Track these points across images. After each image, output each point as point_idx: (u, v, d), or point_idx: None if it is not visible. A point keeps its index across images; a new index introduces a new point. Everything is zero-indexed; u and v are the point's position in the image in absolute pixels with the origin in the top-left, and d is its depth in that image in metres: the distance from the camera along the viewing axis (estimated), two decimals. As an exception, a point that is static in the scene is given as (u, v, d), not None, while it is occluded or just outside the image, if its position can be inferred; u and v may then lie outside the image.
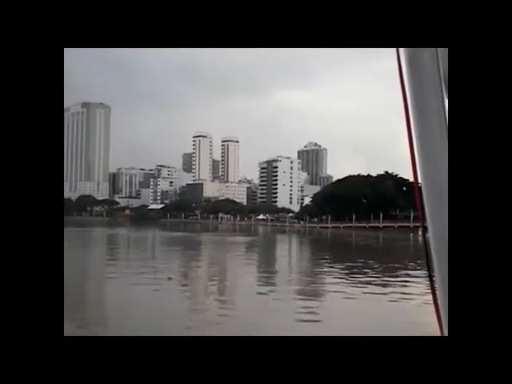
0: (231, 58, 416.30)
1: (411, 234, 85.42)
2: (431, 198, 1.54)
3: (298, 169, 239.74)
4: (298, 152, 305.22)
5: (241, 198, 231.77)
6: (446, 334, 1.54)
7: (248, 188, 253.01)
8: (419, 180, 1.55)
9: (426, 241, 1.59)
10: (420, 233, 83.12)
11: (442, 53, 1.55)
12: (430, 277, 1.60)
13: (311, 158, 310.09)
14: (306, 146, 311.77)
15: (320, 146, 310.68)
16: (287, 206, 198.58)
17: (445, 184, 1.51)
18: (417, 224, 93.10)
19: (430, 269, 1.59)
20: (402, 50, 1.58)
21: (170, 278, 25.65)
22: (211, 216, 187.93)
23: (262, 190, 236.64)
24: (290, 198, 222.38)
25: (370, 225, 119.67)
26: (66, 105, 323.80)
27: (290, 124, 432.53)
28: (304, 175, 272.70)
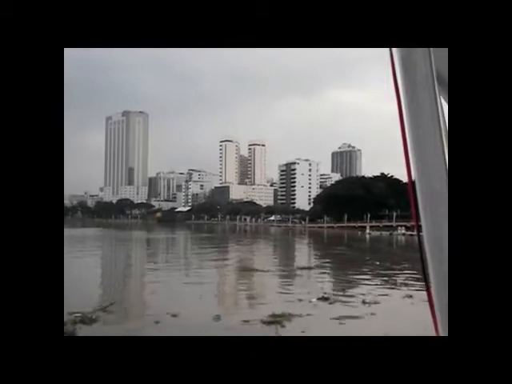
0: (276, 59, 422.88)
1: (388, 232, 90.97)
2: (424, 196, 1.53)
3: (317, 170, 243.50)
4: (332, 153, 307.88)
5: (267, 199, 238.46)
6: (441, 333, 1.54)
7: (275, 190, 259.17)
8: (413, 178, 1.55)
9: (420, 239, 1.56)
10: (399, 230, 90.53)
11: (435, 51, 1.55)
12: (425, 276, 1.57)
13: (345, 159, 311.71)
14: (339, 148, 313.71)
15: (354, 148, 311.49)
16: (305, 207, 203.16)
17: (437, 182, 1.51)
18: (401, 223, 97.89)
19: (424, 268, 1.56)
20: (394, 48, 1.58)
21: None
22: (227, 217, 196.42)
23: (281, 191, 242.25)
24: (309, 199, 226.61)
25: (358, 224, 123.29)
26: (108, 114, 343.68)
27: (341, 124, 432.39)
28: (337, 176, 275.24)
